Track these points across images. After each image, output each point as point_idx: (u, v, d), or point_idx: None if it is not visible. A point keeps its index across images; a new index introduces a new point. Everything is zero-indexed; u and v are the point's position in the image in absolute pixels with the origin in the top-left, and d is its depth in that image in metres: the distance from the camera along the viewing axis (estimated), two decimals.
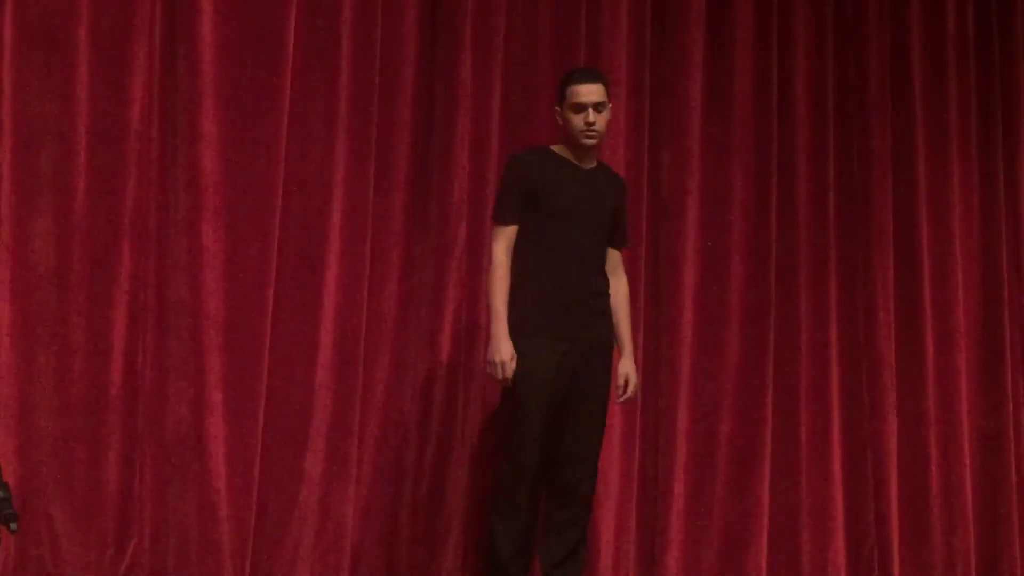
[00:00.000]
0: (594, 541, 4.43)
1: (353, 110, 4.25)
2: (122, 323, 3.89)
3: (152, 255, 3.98)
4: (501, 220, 3.80)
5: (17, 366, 3.77)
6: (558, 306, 3.73)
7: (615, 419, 4.49)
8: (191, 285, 3.99)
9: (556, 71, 4.33)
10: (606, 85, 3.84)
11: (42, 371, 3.80)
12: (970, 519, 5.03)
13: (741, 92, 4.92)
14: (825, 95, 5.06)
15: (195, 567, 3.92)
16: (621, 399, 3.94)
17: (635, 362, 4.02)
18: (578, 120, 3.78)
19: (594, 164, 3.91)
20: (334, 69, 4.24)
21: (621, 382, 3.91)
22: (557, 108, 3.88)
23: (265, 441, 4.03)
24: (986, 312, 5.25)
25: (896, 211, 5.13)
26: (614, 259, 3.97)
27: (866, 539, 4.91)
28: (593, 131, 3.79)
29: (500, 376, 3.69)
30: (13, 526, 2.92)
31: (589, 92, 3.78)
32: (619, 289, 3.96)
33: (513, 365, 3.68)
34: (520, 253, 3.78)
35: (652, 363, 4.68)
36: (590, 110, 3.77)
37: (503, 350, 3.67)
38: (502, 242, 3.77)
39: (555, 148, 3.89)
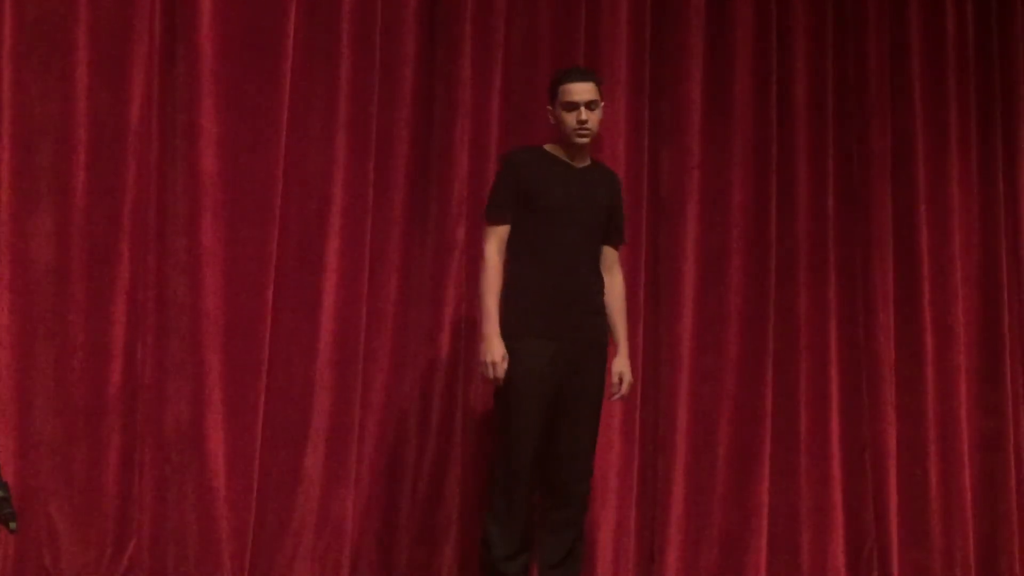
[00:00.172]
0: (594, 541, 4.43)
1: (353, 110, 4.26)
2: (121, 322, 3.89)
3: (152, 254, 3.98)
4: (493, 220, 3.80)
5: (17, 365, 3.77)
6: (551, 306, 3.73)
7: (615, 419, 4.50)
8: (190, 284, 3.99)
9: (556, 71, 4.33)
10: (598, 84, 3.84)
11: (42, 370, 3.80)
12: (969, 519, 5.03)
13: (741, 92, 4.92)
14: (825, 95, 5.06)
15: (194, 566, 3.92)
16: (615, 397, 3.93)
17: (632, 360, 4.02)
18: (570, 119, 3.78)
19: (587, 162, 3.91)
20: (334, 69, 4.24)
21: (615, 379, 3.91)
22: (549, 108, 3.88)
23: (264, 440, 4.04)
24: (985, 312, 5.25)
25: (896, 211, 5.13)
26: (610, 257, 3.97)
27: (865, 539, 4.91)
28: (586, 129, 3.79)
29: (492, 376, 3.69)
30: (13, 525, 2.93)
31: (581, 91, 3.78)
32: (614, 286, 3.95)
33: (505, 365, 3.67)
34: (512, 253, 3.78)
35: (652, 363, 4.69)
36: (582, 108, 3.77)
37: (495, 350, 3.67)
38: (494, 242, 3.77)
39: (548, 147, 3.89)
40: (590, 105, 3.79)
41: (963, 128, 5.30)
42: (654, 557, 4.61)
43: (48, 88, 3.86)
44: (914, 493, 5.00)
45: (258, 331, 4.03)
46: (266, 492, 4.04)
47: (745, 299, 4.83)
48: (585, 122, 3.78)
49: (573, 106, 3.78)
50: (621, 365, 3.93)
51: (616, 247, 4.00)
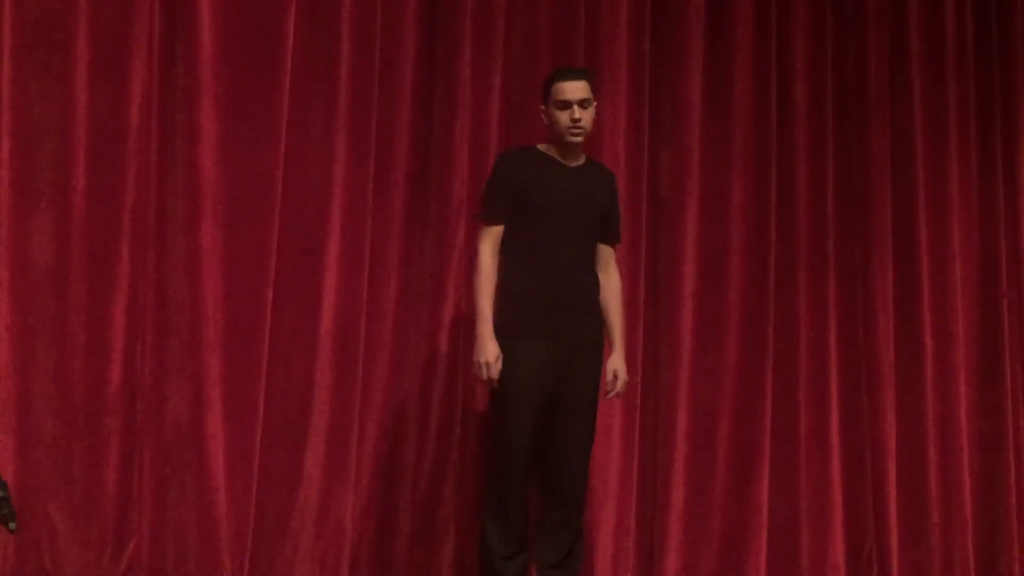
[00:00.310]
0: (593, 541, 4.43)
1: (353, 110, 4.26)
2: (121, 322, 3.89)
3: (151, 254, 3.98)
4: (486, 220, 3.80)
5: (16, 365, 3.77)
6: (545, 306, 3.72)
7: (615, 419, 4.50)
8: (190, 284, 3.99)
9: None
10: (591, 82, 3.83)
11: (41, 370, 3.80)
12: (969, 519, 5.03)
13: (741, 92, 4.92)
14: (825, 95, 5.06)
15: (194, 566, 3.92)
16: (610, 395, 3.92)
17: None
18: (564, 117, 3.78)
19: (581, 161, 3.90)
20: (334, 69, 4.24)
21: (610, 377, 3.89)
22: (543, 107, 3.87)
23: (264, 440, 4.04)
24: (985, 312, 5.24)
25: (895, 211, 5.13)
26: (606, 255, 3.95)
27: (865, 539, 4.91)
28: (579, 128, 3.78)
29: (485, 377, 3.69)
30: (12, 525, 2.93)
31: (574, 89, 3.77)
32: (610, 285, 3.93)
33: (499, 366, 3.67)
34: (506, 253, 3.78)
35: (652, 363, 4.68)
36: (575, 107, 3.76)
37: (488, 351, 3.67)
38: (488, 242, 3.77)
39: (541, 147, 3.88)
40: (583, 103, 3.78)
41: (963, 128, 5.30)
42: (654, 557, 4.61)
43: (48, 88, 3.86)
44: (914, 493, 5.00)
45: (258, 331, 4.03)
46: (266, 492, 4.04)
47: (745, 299, 4.83)
48: (579, 120, 3.77)
49: (566, 104, 3.77)
50: (616, 363, 3.91)
51: (612, 245, 3.98)
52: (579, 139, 3.81)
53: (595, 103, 3.85)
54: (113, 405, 3.86)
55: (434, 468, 4.28)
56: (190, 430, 3.95)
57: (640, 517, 4.59)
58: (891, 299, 5.06)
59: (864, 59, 5.17)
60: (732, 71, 4.93)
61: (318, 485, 4.10)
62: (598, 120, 4.59)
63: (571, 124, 3.77)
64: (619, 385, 3.92)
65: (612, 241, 3.98)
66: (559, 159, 3.85)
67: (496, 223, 3.78)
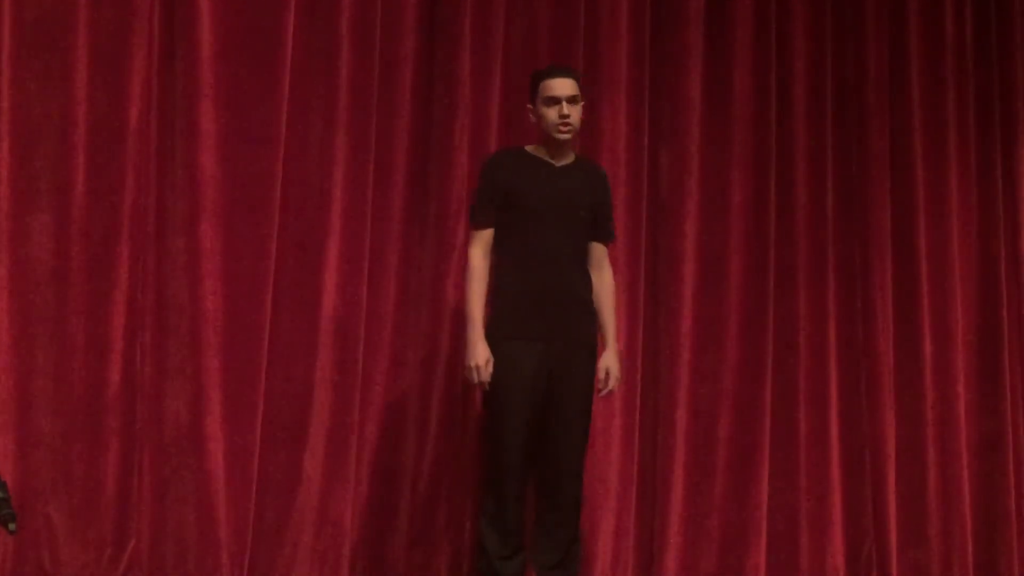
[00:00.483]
0: (593, 541, 4.43)
1: (352, 110, 4.25)
2: (120, 323, 3.89)
3: (151, 255, 3.98)
4: (476, 224, 3.80)
5: (16, 365, 3.77)
6: (535, 307, 3.72)
7: (615, 419, 4.50)
8: (189, 285, 3.99)
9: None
10: (578, 80, 3.82)
11: (41, 370, 3.80)
12: (968, 520, 5.04)
13: (740, 92, 4.92)
14: (824, 95, 5.06)
15: (193, 567, 3.92)
16: (602, 393, 3.89)
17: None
18: (552, 114, 3.76)
19: (570, 159, 3.88)
20: (333, 69, 4.24)
21: (602, 375, 3.85)
22: (530, 106, 3.86)
23: (263, 441, 4.04)
24: (984, 312, 5.25)
25: (894, 211, 5.13)
26: (598, 253, 3.92)
27: (864, 539, 4.91)
28: (568, 124, 3.77)
29: (477, 380, 3.68)
30: (12, 526, 2.93)
31: (562, 86, 3.76)
32: (603, 283, 3.90)
33: (490, 369, 3.67)
34: (497, 255, 3.78)
35: (652, 363, 4.68)
36: (564, 103, 3.75)
37: (479, 354, 3.67)
38: (478, 246, 3.77)
39: (529, 148, 3.87)
40: (571, 100, 3.77)
41: (962, 129, 5.30)
42: (653, 557, 4.61)
43: (48, 88, 3.86)
44: (913, 493, 5.00)
45: (257, 331, 4.03)
46: (265, 492, 4.04)
47: (744, 299, 4.83)
48: (567, 116, 3.76)
49: (554, 101, 3.76)
50: (608, 360, 3.86)
51: (605, 243, 3.94)
52: (568, 136, 3.80)
53: (583, 102, 3.84)
54: (113, 405, 3.86)
55: (433, 469, 4.28)
56: (189, 430, 3.95)
57: (640, 517, 4.59)
58: (890, 299, 5.07)
59: (864, 59, 5.18)
60: (732, 71, 4.93)
61: (317, 486, 4.10)
62: (598, 120, 4.62)
63: (560, 120, 3.76)
64: (611, 383, 3.88)
65: (605, 239, 3.95)
66: (547, 159, 3.84)
67: (485, 227, 3.78)
